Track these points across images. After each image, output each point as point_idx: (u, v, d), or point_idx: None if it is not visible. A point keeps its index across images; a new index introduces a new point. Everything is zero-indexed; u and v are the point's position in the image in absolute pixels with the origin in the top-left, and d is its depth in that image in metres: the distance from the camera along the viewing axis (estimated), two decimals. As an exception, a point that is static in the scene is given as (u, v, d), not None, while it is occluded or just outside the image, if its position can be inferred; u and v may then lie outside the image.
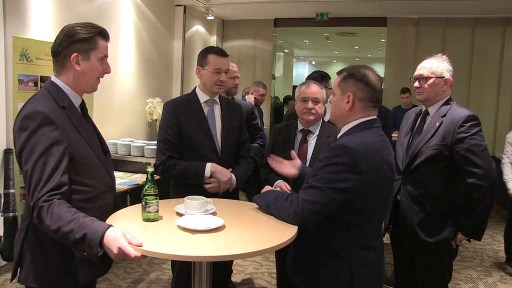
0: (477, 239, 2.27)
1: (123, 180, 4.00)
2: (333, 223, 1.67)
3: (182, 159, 2.41)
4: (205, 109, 2.46)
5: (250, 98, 4.70)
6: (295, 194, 1.70)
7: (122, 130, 5.31)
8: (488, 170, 2.14)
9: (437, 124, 2.25)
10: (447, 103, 2.31)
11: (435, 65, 2.30)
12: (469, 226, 2.24)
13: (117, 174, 4.21)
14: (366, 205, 1.67)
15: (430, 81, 2.29)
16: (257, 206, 1.90)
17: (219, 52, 2.43)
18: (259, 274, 3.76)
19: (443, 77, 2.29)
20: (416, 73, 2.37)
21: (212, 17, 7.23)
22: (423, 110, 2.41)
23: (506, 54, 6.82)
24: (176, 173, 2.37)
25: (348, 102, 1.72)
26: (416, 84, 2.35)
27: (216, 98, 2.51)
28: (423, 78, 2.32)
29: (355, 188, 1.60)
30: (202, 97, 2.47)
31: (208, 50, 2.44)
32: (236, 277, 3.66)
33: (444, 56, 2.35)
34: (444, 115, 2.26)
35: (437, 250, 2.31)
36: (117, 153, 4.50)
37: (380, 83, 1.76)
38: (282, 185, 2.35)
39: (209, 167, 2.36)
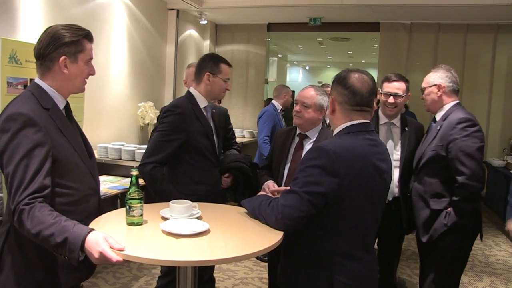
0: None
1: (113, 184, 3.96)
2: (314, 229, 1.63)
3: (189, 163, 2.44)
4: (205, 114, 2.54)
5: (279, 102, 4.80)
6: (276, 200, 1.68)
7: (114, 134, 5.27)
8: (476, 171, 2.24)
9: (438, 127, 2.42)
10: (452, 108, 2.44)
11: (431, 76, 2.51)
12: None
13: (107, 178, 4.18)
14: (347, 211, 1.61)
15: (426, 90, 2.52)
16: (244, 210, 1.88)
17: (228, 62, 2.54)
18: (249, 279, 3.73)
19: (435, 84, 2.46)
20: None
21: (205, 21, 7.23)
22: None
23: (498, 60, 6.87)
24: (165, 188, 2.36)
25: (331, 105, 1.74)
26: (423, 96, 2.56)
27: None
28: (423, 90, 2.54)
29: (332, 191, 1.55)
30: (202, 102, 2.51)
31: (219, 59, 2.53)
32: (226, 282, 3.64)
33: (443, 65, 2.54)
34: (445, 119, 2.41)
35: (438, 251, 2.39)
36: (107, 157, 4.45)
37: (368, 86, 1.66)
38: (270, 185, 2.32)
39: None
